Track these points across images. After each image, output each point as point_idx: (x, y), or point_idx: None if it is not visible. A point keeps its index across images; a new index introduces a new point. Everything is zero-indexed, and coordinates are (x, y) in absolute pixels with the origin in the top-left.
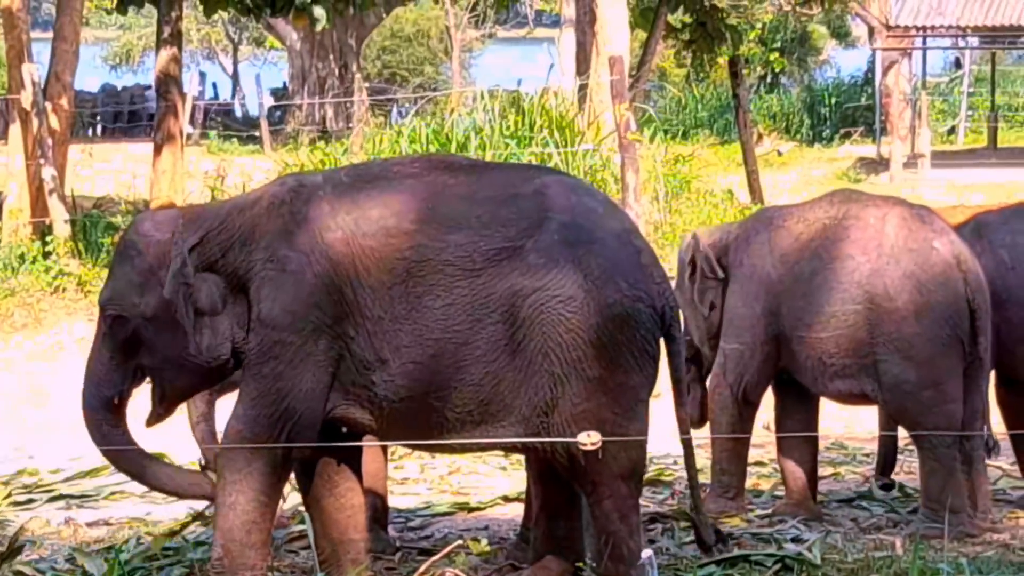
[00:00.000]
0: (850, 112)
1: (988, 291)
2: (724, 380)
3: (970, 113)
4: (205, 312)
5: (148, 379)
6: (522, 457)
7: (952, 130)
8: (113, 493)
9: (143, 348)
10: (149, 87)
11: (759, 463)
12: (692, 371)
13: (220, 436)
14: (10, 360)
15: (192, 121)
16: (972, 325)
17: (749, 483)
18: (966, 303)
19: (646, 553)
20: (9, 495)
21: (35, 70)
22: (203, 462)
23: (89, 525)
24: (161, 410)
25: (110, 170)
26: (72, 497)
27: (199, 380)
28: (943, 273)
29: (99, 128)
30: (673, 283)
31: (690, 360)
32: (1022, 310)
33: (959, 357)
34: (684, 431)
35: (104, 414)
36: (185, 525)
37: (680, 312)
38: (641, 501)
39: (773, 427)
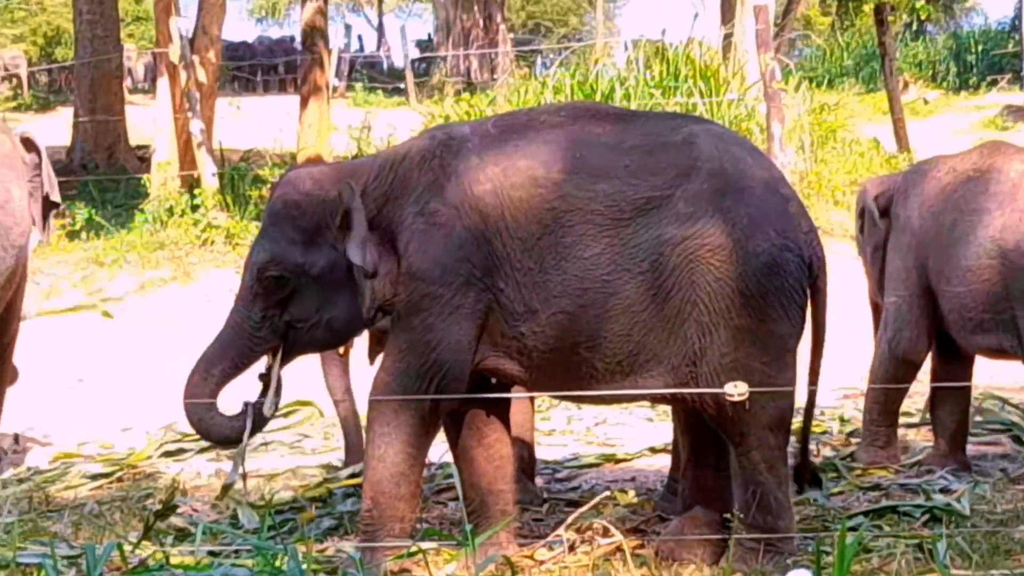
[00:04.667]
0: (997, 59)
1: None
2: (884, 334)
3: None
4: (368, 272)
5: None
6: (668, 408)
7: None
8: (262, 444)
9: (295, 305)
10: (294, 39)
11: (906, 413)
12: None
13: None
14: (160, 313)
15: (338, 73)
16: None
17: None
18: None
19: (801, 574)
20: (161, 446)
21: (183, 24)
22: None
23: (238, 477)
24: (286, 361)
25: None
26: (223, 449)
27: (339, 338)
28: None
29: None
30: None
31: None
32: None
33: None
34: (812, 381)
35: (221, 379)
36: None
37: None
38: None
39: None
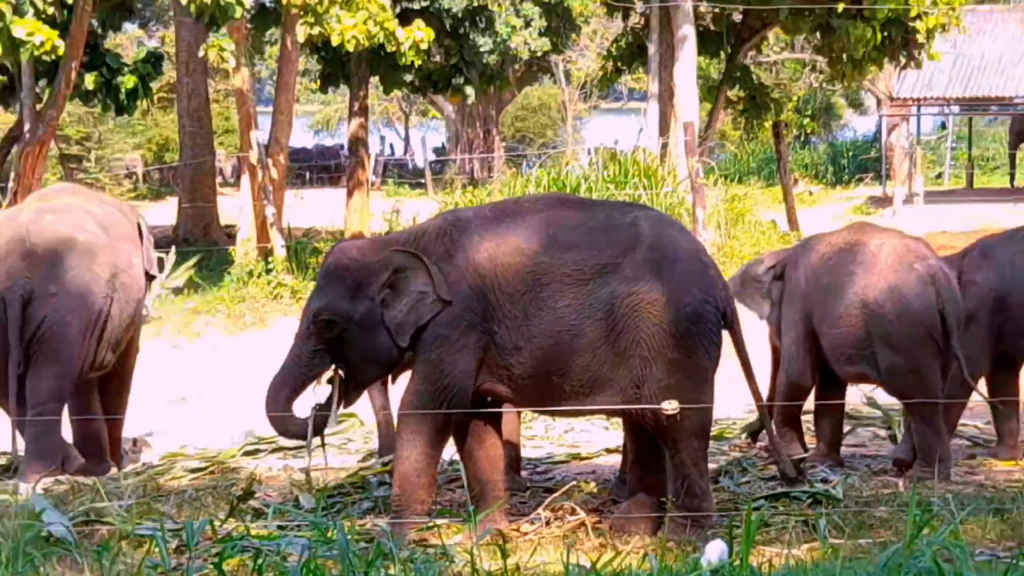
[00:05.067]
0: (863, 162)
1: (960, 303)
2: (783, 367)
3: (953, 163)
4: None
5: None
6: (619, 419)
7: (939, 175)
8: (318, 446)
9: (345, 346)
10: (343, 146)
11: None
12: None
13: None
14: (243, 351)
15: (375, 172)
16: (944, 328)
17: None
18: (938, 312)
19: (719, 546)
20: (243, 448)
21: (260, 135)
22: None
23: (300, 470)
24: (354, 396)
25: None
26: (288, 449)
27: (383, 370)
28: (918, 287)
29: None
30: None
31: None
32: (1021, 310)
33: (933, 351)
34: (757, 398)
35: (289, 397)
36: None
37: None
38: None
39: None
